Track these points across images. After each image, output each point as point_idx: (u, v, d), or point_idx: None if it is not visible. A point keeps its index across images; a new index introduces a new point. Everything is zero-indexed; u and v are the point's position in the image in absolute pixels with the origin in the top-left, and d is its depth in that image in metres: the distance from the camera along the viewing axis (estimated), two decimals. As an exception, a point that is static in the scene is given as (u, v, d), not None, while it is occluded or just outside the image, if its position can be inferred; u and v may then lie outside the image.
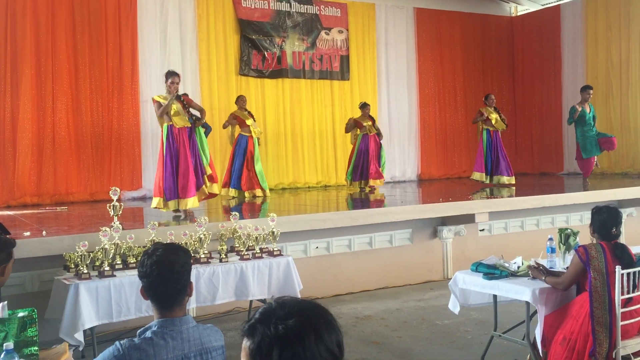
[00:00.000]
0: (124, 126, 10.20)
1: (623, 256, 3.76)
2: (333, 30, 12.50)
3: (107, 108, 10.10)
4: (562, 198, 8.42)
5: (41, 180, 9.49)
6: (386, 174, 11.10)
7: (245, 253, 5.37)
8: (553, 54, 13.87)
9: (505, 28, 14.88)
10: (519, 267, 4.31)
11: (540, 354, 4.00)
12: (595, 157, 10.05)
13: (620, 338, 3.63)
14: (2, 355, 2.33)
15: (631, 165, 12.47)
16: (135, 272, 4.65)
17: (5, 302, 2.75)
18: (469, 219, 7.56)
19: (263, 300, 5.41)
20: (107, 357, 2.15)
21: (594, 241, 3.93)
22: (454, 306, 4.61)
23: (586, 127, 9.85)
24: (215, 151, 10.18)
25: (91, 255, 4.72)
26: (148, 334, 2.24)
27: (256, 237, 5.44)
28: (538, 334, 3.97)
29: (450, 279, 4.62)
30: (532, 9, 14.68)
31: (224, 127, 9.79)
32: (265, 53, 11.68)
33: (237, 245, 5.51)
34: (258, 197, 9.47)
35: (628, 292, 3.70)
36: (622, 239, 4.01)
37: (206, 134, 7.85)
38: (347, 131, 10.72)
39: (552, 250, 4.50)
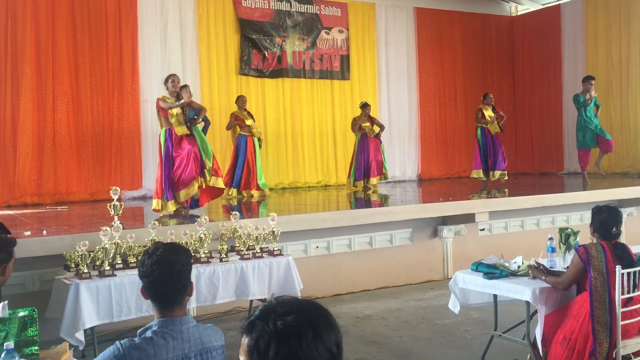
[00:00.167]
0: (125, 126, 10.20)
1: (623, 256, 3.76)
2: (333, 30, 12.50)
3: (108, 108, 10.10)
4: (562, 198, 8.42)
5: (42, 180, 9.49)
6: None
7: (246, 253, 5.37)
8: (553, 54, 13.87)
9: (505, 28, 14.88)
10: (519, 267, 4.32)
11: (541, 354, 4.00)
12: (599, 164, 10.04)
13: (621, 338, 3.63)
14: (3, 355, 2.33)
15: (631, 165, 12.47)
16: (135, 271, 4.65)
17: (6, 301, 2.75)
18: (469, 218, 7.56)
19: (263, 300, 5.40)
20: (108, 356, 2.16)
21: (594, 241, 3.94)
22: (454, 306, 4.61)
23: (587, 117, 9.87)
24: (216, 151, 10.15)
25: (92, 255, 4.72)
26: (148, 333, 2.24)
27: (256, 237, 5.44)
28: (538, 333, 3.97)
29: (451, 278, 4.62)
30: (532, 9, 14.68)
31: (228, 129, 9.80)
32: (266, 53, 11.68)
33: (237, 244, 5.51)
34: (254, 196, 9.48)
35: (628, 292, 3.70)
36: (622, 239, 4.01)
37: (205, 128, 7.87)
38: (354, 131, 10.71)
39: (553, 250, 4.50)
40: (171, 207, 6.81)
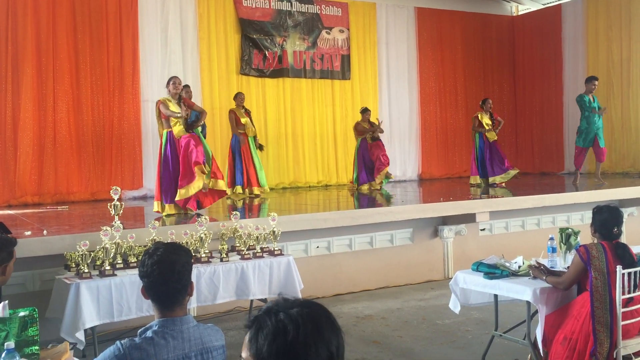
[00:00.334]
0: (125, 125, 10.21)
1: (624, 256, 3.76)
2: (334, 30, 12.50)
3: (108, 107, 10.11)
4: (562, 197, 8.42)
5: (42, 180, 9.50)
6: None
7: (246, 252, 5.37)
8: (554, 54, 13.87)
9: (506, 27, 14.88)
10: (519, 267, 4.31)
11: (541, 354, 4.00)
12: (598, 175, 10.03)
13: (621, 338, 3.63)
14: (3, 355, 2.33)
15: (632, 164, 12.46)
16: (136, 271, 4.65)
17: (7, 301, 2.75)
18: (469, 218, 7.55)
19: (264, 300, 5.41)
20: (108, 356, 2.16)
21: (595, 241, 3.93)
22: (454, 306, 4.60)
23: (592, 116, 9.88)
24: (216, 151, 10.16)
25: (92, 255, 4.72)
26: (149, 333, 2.24)
27: (257, 237, 5.44)
28: (539, 333, 3.97)
29: (451, 278, 4.62)
30: (533, 8, 14.68)
31: (232, 128, 9.67)
32: (266, 52, 11.68)
33: (237, 244, 5.51)
34: (256, 195, 9.48)
35: (629, 292, 3.70)
36: (623, 239, 4.01)
37: (203, 133, 7.89)
38: (357, 136, 10.74)
39: (553, 250, 4.50)
40: (169, 210, 6.81)
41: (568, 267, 4.06)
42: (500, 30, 14.73)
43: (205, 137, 7.79)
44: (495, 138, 10.66)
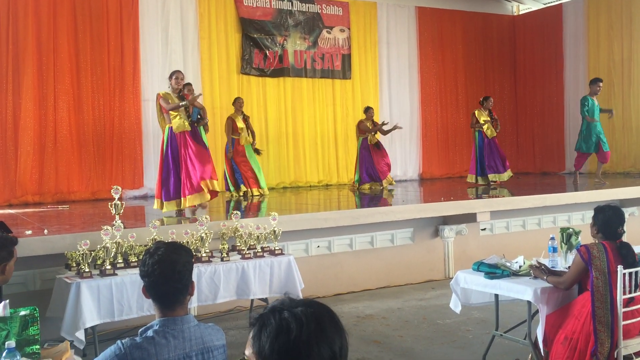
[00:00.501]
0: (126, 125, 10.21)
1: (628, 255, 3.75)
2: (335, 29, 12.50)
3: (109, 107, 10.11)
4: (563, 197, 8.41)
5: (43, 179, 9.50)
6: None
7: (247, 252, 5.37)
8: (555, 53, 13.86)
9: (507, 27, 14.87)
10: (520, 267, 4.31)
11: (542, 354, 3.99)
12: (599, 175, 10.02)
13: (622, 338, 3.63)
14: (4, 354, 2.33)
15: (633, 164, 12.46)
16: (136, 270, 4.67)
17: (7, 300, 2.75)
18: (470, 218, 7.55)
19: (264, 299, 5.41)
20: (109, 355, 2.16)
21: (596, 241, 3.93)
22: (455, 305, 4.60)
23: (592, 123, 9.86)
24: (217, 151, 10.16)
25: (93, 254, 4.72)
26: (150, 333, 2.24)
27: (257, 236, 5.44)
28: (539, 333, 3.97)
29: (452, 278, 4.62)
30: (534, 8, 14.67)
31: (227, 133, 9.61)
32: (267, 52, 11.68)
33: (238, 244, 5.51)
34: (254, 195, 9.46)
35: (630, 292, 3.69)
36: (624, 239, 4.00)
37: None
38: (362, 134, 10.73)
39: (554, 250, 4.50)
40: (168, 207, 6.79)
41: (569, 267, 4.06)
42: (501, 30, 14.72)
43: (207, 132, 7.78)
44: (494, 134, 10.63)
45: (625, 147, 12.51)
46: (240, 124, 9.40)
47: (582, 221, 8.41)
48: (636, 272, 3.71)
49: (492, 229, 8.11)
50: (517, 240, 7.99)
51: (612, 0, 12.77)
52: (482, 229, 8.00)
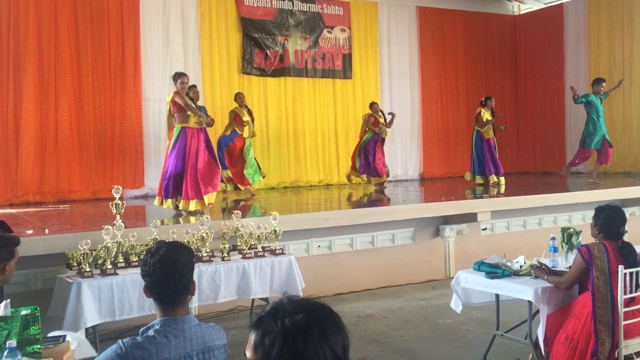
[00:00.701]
0: (127, 124, 10.22)
1: (630, 255, 3.75)
2: (335, 29, 12.50)
3: (110, 106, 10.11)
4: (564, 197, 8.41)
5: (44, 179, 9.51)
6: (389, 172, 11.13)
7: (248, 252, 5.38)
8: (556, 53, 13.85)
9: (508, 27, 14.86)
10: (521, 266, 4.31)
11: (543, 354, 3.99)
12: (594, 175, 10.04)
13: (623, 337, 3.63)
14: (5, 353, 2.34)
15: (633, 164, 12.45)
16: (137, 270, 4.67)
17: (8, 300, 2.75)
18: (471, 217, 7.55)
19: (265, 299, 5.41)
20: (110, 355, 2.16)
21: (597, 241, 3.92)
22: (456, 305, 4.60)
23: (598, 119, 9.86)
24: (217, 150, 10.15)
25: (94, 254, 4.73)
26: (151, 332, 2.24)
27: (258, 236, 5.44)
28: (540, 333, 3.97)
29: (453, 278, 4.62)
30: (535, 8, 14.66)
31: (227, 127, 9.65)
32: (268, 51, 11.68)
33: (239, 243, 5.52)
34: (228, 191, 9.44)
35: (631, 292, 3.69)
36: (625, 239, 4.00)
37: None
38: (366, 129, 10.65)
39: (555, 250, 4.50)
40: (167, 204, 6.79)
41: (569, 266, 4.06)
42: (502, 30, 14.71)
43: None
44: (491, 136, 10.62)
45: (625, 146, 12.51)
46: (245, 117, 9.40)
47: (582, 221, 8.41)
48: (637, 272, 3.71)
49: (493, 228, 8.11)
50: (518, 240, 7.99)
51: (613, 0, 12.76)
52: (482, 229, 8.00)
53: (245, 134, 9.39)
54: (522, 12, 15.02)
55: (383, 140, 10.60)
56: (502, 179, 10.55)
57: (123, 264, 4.88)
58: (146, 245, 4.99)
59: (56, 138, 9.64)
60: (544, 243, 4.84)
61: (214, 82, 11.12)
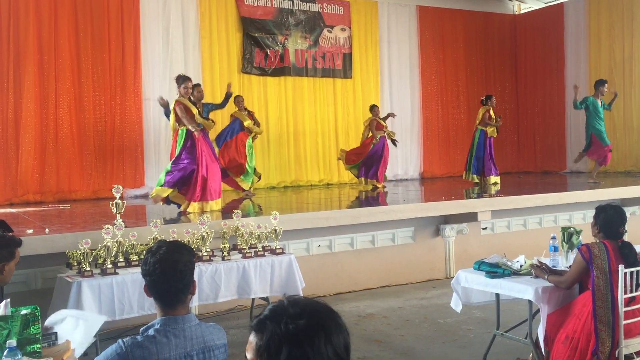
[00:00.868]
0: (127, 124, 10.22)
1: (630, 255, 3.75)
2: (336, 28, 12.49)
3: (110, 106, 10.12)
4: (565, 196, 8.40)
5: (44, 178, 9.51)
6: (389, 172, 11.15)
7: (248, 251, 5.37)
8: (556, 52, 13.85)
9: (508, 26, 14.86)
10: (521, 266, 4.31)
11: (543, 353, 3.99)
12: (594, 175, 10.06)
13: (623, 337, 3.63)
14: (6, 353, 2.34)
15: (634, 163, 12.45)
16: (137, 270, 4.67)
17: (8, 299, 2.75)
18: (471, 217, 7.55)
19: (265, 298, 5.41)
20: (110, 354, 2.16)
21: (597, 240, 3.92)
22: (456, 304, 4.60)
23: (599, 120, 9.87)
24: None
25: (94, 253, 4.73)
26: (151, 331, 2.24)
27: (258, 235, 5.44)
28: (540, 332, 3.97)
29: (453, 277, 4.62)
30: (535, 7, 14.66)
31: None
32: (268, 51, 11.67)
33: (239, 243, 5.51)
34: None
35: (631, 291, 3.69)
36: (625, 238, 4.00)
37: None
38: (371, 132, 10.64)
39: (555, 249, 4.50)
40: (164, 192, 6.80)
41: (570, 266, 4.06)
42: (502, 29, 14.71)
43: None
44: (494, 135, 10.64)
45: (626, 146, 12.50)
46: (246, 121, 9.41)
47: (583, 220, 8.41)
48: (637, 272, 3.71)
49: (493, 228, 8.11)
50: (518, 240, 7.98)
51: (613, -1, 12.78)
52: (483, 228, 8.00)
53: (254, 131, 9.46)
54: (522, 12, 15.01)
55: (393, 141, 10.61)
56: (498, 179, 10.59)
57: (123, 264, 4.88)
58: (146, 245, 4.99)
59: (56, 137, 9.64)
60: (544, 242, 4.84)
61: (214, 81, 11.12)
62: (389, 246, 7.38)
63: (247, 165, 9.36)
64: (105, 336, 4.85)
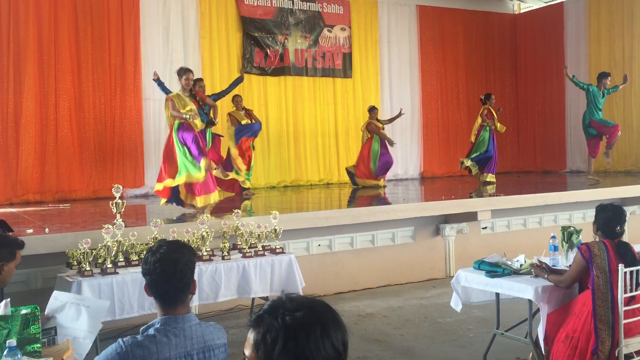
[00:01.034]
0: (127, 124, 10.22)
1: (627, 254, 3.75)
2: (335, 28, 12.49)
3: (110, 106, 10.12)
4: (564, 196, 8.40)
5: (44, 178, 9.51)
6: (389, 172, 11.16)
7: (248, 250, 5.38)
8: (556, 52, 13.85)
9: (508, 26, 14.86)
10: (521, 265, 4.31)
11: (543, 352, 3.99)
12: (593, 173, 10.04)
13: (623, 336, 3.63)
14: (5, 353, 2.34)
15: (634, 163, 12.45)
16: (137, 269, 4.67)
17: (8, 299, 2.75)
18: (471, 216, 7.55)
19: (265, 298, 5.41)
20: (110, 354, 2.16)
21: (597, 239, 3.93)
22: (456, 304, 4.60)
23: (597, 111, 9.86)
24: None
25: (94, 253, 4.73)
26: (151, 331, 2.24)
27: (258, 235, 5.44)
28: (540, 332, 3.97)
29: (453, 276, 4.62)
30: (535, 7, 14.65)
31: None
32: (268, 50, 11.67)
33: (239, 242, 5.52)
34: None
35: (631, 291, 3.70)
36: (625, 237, 4.00)
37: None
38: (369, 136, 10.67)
39: (555, 248, 4.50)
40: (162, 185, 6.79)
41: (570, 265, 4.06)
42: (502, 29, 14.71)
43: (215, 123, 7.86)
44: (504, 130, 10.67)
45: (626, 145, 12.50)
46: (243, 120, 9.41)
47: (583, 220, 8.41)
48: (637, 271, 3.71)
49: (493, 227, 8.11)
50: (518, 239, 7.99)
51: (613, -2, 12.78)
52: (483, 228, 8.00)
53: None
54: (522, 11, 15.01)
55: (389, 141, 10.64)
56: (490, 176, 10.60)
57: (123, 263, 4.88)
58: (146, 245, 5.00)
59: (56, 137, 9.64)
60: (544, 242, 4.84)
61: (214, 81, 11.10)
62: (389, 246, 7.38)
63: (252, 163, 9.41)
64: (105, 336, 4.86)
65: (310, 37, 12.19)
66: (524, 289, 4.00)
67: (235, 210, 5.80)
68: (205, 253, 5.17)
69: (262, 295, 5.38)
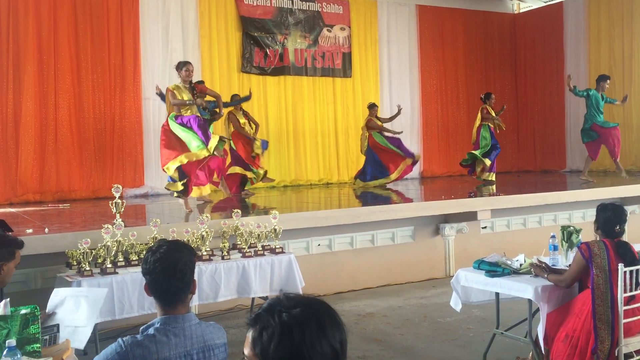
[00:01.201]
0: (126, 123, 10.22)
1: (626, 254, 3.75)
2: (335, 28, 12.49)
3: (110, 105, 10.12)
4: (564, 195, 8.40)
5: (44, 178, 9.51)
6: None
7: (247, 250, 5.38)
8: (555, 51, 13.85)
9: (507, 25, 14.86)
10: (521, 265, 4.31)
11: (543, 352, 3.99)
12: (587, 174, 10.05)
13: (623, 336, 3.63)
14: (5, 352, 2.34)
15: (634, 162, 12.45)
16: (137, 269, 4.67)
17: (8, 299, 2.75)
18: (471, 216, 7.55)
19: (265, 298, 5.41)
20: (110, 354, 2.16)
21: (597, 238, 3.93)
22: (455, 304, 4.60)
23: (598, 113, 9.87)
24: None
25: (93, 253, 4.73)
26: (151, 330, 2.24)
27: (258, 235, 5.44)
28: (540, 331, 3.97)
29: (453, 276, 4.61)
30: (534, 6, 14.66)
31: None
32: (267, 50, 11.67)
33: (239, 242, 5.52)
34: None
35: (631, 290, 3.70)
36: (625, 237, 4.00)
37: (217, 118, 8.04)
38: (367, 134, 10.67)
39: (555, 248, 4.50)
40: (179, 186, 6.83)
41: (570, 265, 4.06)
42: (501, 28, 14.71)
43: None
44: (504, 127, 10.66)
45: (626, 145, 12.49)
46: (241, 119, 9.42)
47: (583, 219, 8.41)
48: (637, 271, 3.71)
49: (493, 227, 8.10)
50: (518, 239, 7.98)
51: (613, -2, 12.78)
52: (482, 227, 8.00)
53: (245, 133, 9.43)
54: (522, 11, 15.01)
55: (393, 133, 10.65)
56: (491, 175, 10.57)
57: (123, 263, 4.88)
58: (146, 244, 4.99)
59: (56, 137, 9.64)
60: (544, 241, 4.84)
61: (214, 81, 11.10)
62: (388, 245, 7.38)
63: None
64: (105, 336, 4.86)
65: (310, 37, 12.19)
66: (523, 289, 4.00)
67: (235, 210, 5.80)
68: (205, 253, 5.17)
69: (262, 295, 5.38)
